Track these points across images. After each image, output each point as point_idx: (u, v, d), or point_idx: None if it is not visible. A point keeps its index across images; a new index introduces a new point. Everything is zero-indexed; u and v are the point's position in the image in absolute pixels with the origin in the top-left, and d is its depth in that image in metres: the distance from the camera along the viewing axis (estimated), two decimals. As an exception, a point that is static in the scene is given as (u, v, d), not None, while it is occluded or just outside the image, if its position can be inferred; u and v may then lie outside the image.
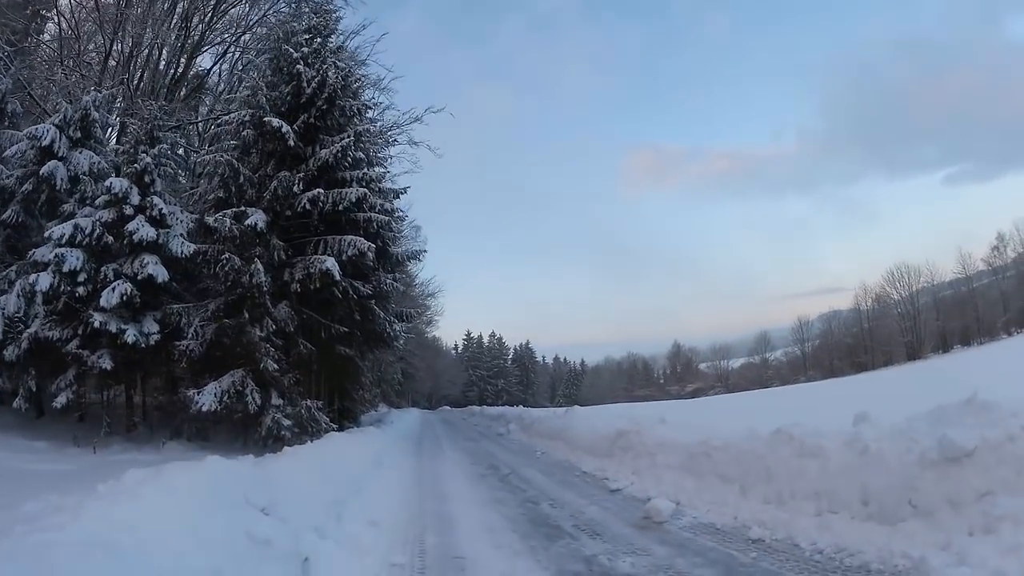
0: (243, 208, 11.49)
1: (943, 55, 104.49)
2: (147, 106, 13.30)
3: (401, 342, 15.39)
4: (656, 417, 9.61)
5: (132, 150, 12.43)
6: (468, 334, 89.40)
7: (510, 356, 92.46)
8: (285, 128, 11.86)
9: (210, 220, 11.18)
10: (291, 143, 11.98)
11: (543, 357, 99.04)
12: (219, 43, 19.65)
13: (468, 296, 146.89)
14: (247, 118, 12.49)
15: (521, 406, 32.91)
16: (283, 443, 9.89)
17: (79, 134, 13.08)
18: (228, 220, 11.18)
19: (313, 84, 12.54)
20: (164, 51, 18.66)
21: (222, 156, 12.31)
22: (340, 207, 11.70)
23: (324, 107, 12.59)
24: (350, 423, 14.56)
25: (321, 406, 11.19)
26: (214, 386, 10.53)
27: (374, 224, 12.26)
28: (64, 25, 18.00)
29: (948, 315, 58.86)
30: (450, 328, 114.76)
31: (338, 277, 10.94)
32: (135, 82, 17.27)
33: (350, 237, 11.48)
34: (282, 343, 11.03)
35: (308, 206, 11.54)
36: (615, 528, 5.47)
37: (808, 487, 5.24)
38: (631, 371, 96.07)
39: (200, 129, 17.50)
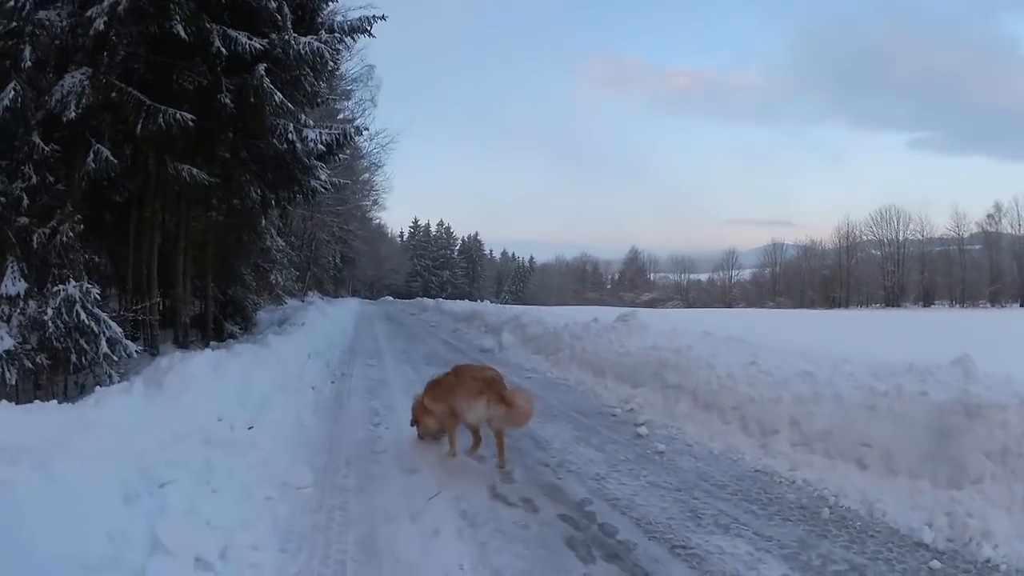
0: None
1: (928, 27, 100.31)
2: None
3: (324, 178, 8.35)
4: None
5: None
6: (415, 221, 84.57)
7: (457, 247, 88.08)
8: None
9: None
10: None
11: (491, 251, 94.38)
12: None
13: (415, 181, 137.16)
14: None
15: (487, 301, 27.96)
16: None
17: None
18: None
19: None
20: None
21: None
22: None
23: None
24: (237, 324, 8.67)
25: (103, 294, 4.94)
26: None
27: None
28: None
29: (934, 270, 58.38)
30: (396, 213, 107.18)
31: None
32: None
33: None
34: (52, 152, 4.90)
35: None
36: None
37: None
38: (581, 273, 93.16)
39: None
